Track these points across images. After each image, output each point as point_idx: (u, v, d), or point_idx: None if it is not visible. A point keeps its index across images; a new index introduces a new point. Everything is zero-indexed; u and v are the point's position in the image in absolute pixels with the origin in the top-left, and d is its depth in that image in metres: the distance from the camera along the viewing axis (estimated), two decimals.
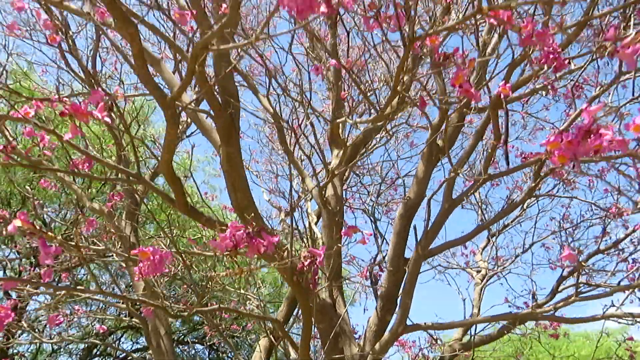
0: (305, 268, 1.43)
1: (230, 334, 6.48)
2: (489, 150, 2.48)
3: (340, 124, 5.13)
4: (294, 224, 4.30)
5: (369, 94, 2.67)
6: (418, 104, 1.98)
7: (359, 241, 2.01)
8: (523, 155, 5.52)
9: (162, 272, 1.93)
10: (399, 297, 3.53)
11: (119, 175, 2.98)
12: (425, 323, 2.94)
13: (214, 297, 10.03)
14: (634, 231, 4.42)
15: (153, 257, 1.64)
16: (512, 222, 5.86)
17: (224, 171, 3.19)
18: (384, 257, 3.42)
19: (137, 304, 8.10)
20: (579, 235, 5.91)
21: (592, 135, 1.38)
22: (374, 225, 4.79)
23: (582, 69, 3.84)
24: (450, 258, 6.39)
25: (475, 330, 3.62)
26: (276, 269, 3.08)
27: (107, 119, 1.46)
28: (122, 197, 3.28)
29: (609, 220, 5.09)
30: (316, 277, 1.48)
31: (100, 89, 1.57)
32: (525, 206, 6.00)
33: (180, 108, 3.29)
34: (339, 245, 3.20)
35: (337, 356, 3.06)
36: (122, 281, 8.69)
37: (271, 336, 4.39)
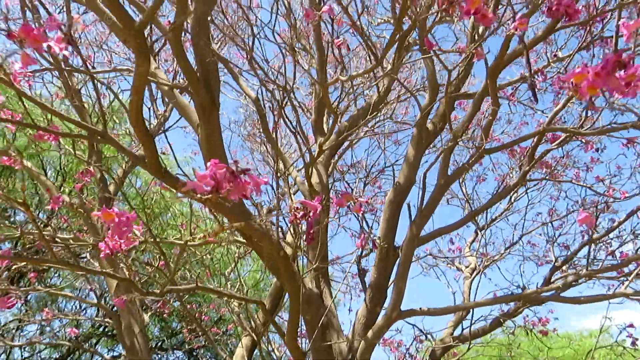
0: (297, 221, 1.24)
1: (211, 337, 6.22)
2: (489, 117, 2.34)
3: (327, 115, 4.97)
4: (278, 219, 4.10)
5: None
6: (425, 47, 1.81)
7: (353, 209, 1.83)
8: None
9: (129, 244, 1.71)
10: (390, 287, 3.35)
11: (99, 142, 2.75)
12: (420, 308, 2.76)
13: (192, 300, 9.73)
14: (624, 221, 4.34)
15: (119, 218, 1.42)
16: (500, 215, 5.75)
17: (203, 151, 2.98)
18: (374, 242, 3.24)
19: (111, 303, 7.73)
20: (566, 229, 5.83)
21: (624, 68, 1.22)
22: (361, 218, 4.61)
23: (571, 56, 3.74)
24: (438, 254, 6.26)
25: (472, 319, 3.46)
26: (261, 256, 2.87)
27: (65, 52, 1.25)
28: (93, 174, 3.02)
29: (598, 212, 5.01)
30: (311, 231, 1.29)
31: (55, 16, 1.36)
32: (512, 199, 5.91)
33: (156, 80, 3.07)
34: (328, 219, 3.00)
35: (325, 343, 2.86)
36: (96, 284, 8.33)
37: (253, 334, 4.18)
